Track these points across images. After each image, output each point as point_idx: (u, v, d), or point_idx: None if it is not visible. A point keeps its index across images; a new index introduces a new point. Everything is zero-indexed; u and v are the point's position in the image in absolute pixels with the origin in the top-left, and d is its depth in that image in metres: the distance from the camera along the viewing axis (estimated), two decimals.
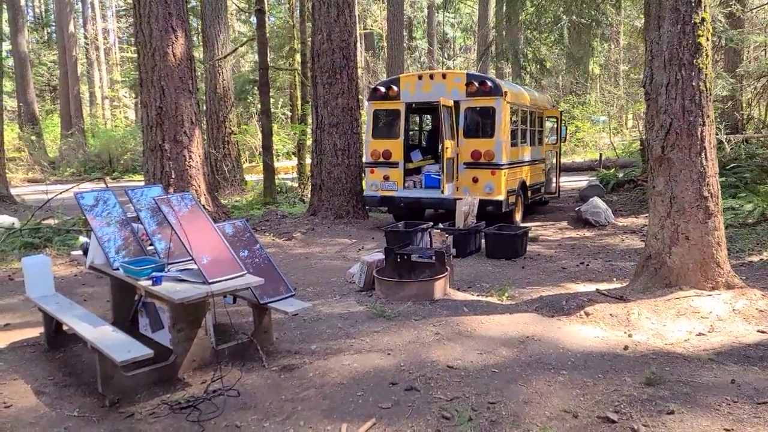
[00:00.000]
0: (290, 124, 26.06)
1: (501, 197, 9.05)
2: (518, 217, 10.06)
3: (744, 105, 16.41)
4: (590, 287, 5.95)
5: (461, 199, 8.10)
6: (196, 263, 4.08)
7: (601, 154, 18.74)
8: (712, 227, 5.13)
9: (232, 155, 19.50)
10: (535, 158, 11.08)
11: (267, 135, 15.16)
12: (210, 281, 3.98)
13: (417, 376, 3.92)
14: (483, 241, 7.90)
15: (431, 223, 8.16)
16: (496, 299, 5.72)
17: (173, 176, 9.47)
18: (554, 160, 12.56)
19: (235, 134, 19.74)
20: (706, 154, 5.10)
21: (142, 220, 4.79)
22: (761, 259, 6.71)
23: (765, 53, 18.98)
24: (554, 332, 4.65)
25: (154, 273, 4.13)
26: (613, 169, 17.30)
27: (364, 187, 10.62)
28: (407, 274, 6.05)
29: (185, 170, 9.51)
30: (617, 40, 31.32)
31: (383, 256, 6.03)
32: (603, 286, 5.84)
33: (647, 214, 10.98)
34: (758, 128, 16.99)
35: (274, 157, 27.53)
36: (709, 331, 4.54)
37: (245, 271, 4.19)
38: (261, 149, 16.87)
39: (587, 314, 5.03)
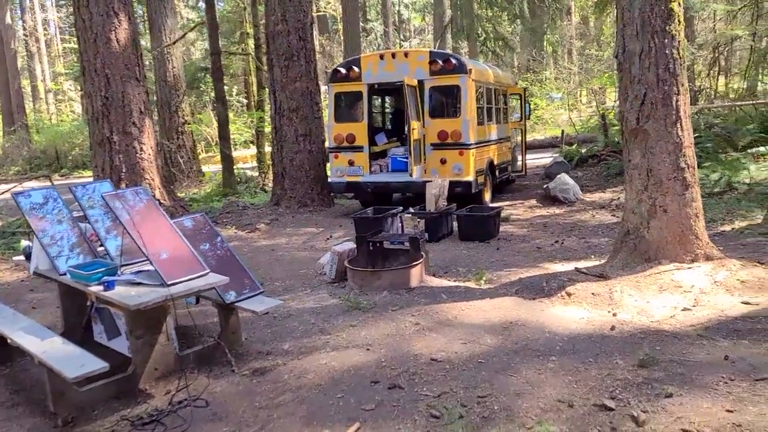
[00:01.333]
0: (246, 112, 25.38)
1: (470, 178, 8.87)
2: (488, 197, 9.92)
3: (695, 76, 16.67)
4: (568, 266, 5.82)
5: (430, 181, 7.89)
6: (152, 264, 3.75)
7: (563, 131, 18.79)
8: (690, 199, 5.04)
9: (187, 146, 18.87)
10: (502, 137, 10.95)
11: (223, 124, 14.65)
12: (169, 283, 3.66)
13: (400, 372, 3.69)
14: (455, 223, 7.72)
15: (401, 208, 7.93)
16: (474, 284, 5.54)
17: (124, 170, 8.98)
18: (519, 138, 12.47)
19: (189, 124, 19.08)
20: (681, 124, 4.99)
21: (90, 219, 4.41)
22: (733, 228, 6.71)
23: (714, 23, 19.27)
24: (538, 316, 4.48)
25: (105, 277, 3.79)
26: (575, 145, 17.37)
27: (328, 174, 10.31)
28: (381, 263, 5.82)
29: (137, 163, 9.02)
30: (569, 17, 31.51)
31: (354, 245, 5.78)
32: (581, 264, 5.72)
33: (614, 189, 11.08)
34: (710, 99, 17.31)
35: (232, 146, 26.88)
36: (693, 306, 4.45)
37: (207, 270, 3.88)
38: (217, 139, 16.32)
39: (569, 294, 4.88)
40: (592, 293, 4.83)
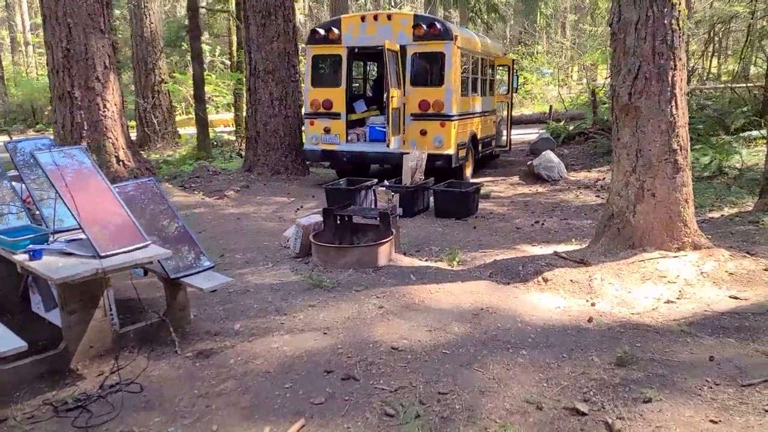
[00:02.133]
0: (229, 73, 24.59)
1: (451, 151, 8.51)
2: (468, 172, 9.58)
3: (689, 56, 16.31)
4: (547, 249, 5.54)
5: (408, 153, 7.52)
6: (84, 233, 3.37)
7: (551, 107, 18.44)
8: (680, 183, 4.74)
9: (163, 106, 18.18)
10: (486, 109, 10.56)
11: (198, 83, 14.07)
12: (102, 254, 3.29)
13: (356, 360, 3.38)
14: (432, 199, 7.38)
15: (375, 180, 7.57)
16: (447, 264, 5.23)
17: (86, 128, 8.46)
18: (505, 112, 12.10)
19: (166, 83, 18.37)
20: (676, 102, 4.66)
21: (25, 180, 4.01)
22: (722, 215, 6.46)
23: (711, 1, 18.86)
24: (511, 303, 4.19)
25: (31, 245, 3.39)
26: (563, 122, 17.06)
27: (304, 141, 9.88)
28: (348, 238, 5.48)
29: (99, 121, 8.51)
30: None
31: (321, 218, 5.42)
32: (561, 248, 5.43)
33: (600, 168, 10.81)
34: (702, 80, 17.02)
35: (214, 109, 26.18)
36: (678, 298, 4.18)
37: (148, 241, 3.51)
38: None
39: (546, 280, 4.60)
40: (571, 280, 4.54)
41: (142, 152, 15.66)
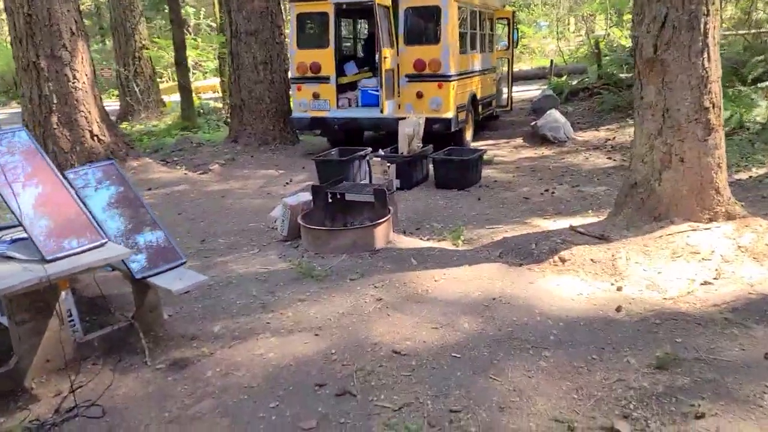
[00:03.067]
0: (215, 35, 23.65)
1: (450, 114, 7.94)
2: (469, 135, 9.03)
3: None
4: (562, 223, 5.06)
5: (404, 118, 6.96)
6: (26, 232, 2.87)
7: (552, 61, 17.68)
8: (713, 146, 4.22)
9: (146, 73, 17.38)
10: (486, 67, 9.93)
11: (179, 48, 13.31)
12: (48, 258, 2.80)
13: (353, 370, 2.93)
14: (431, 167, 6.85)
15: (369, 150, 7.03)
16: (451, 244, 4.76)
17: (55, 101, 7.85)
18: (505, 69, 11.45)
19: (147, 49, 17.56)
20: (708, 53, 4.11)
21: None
22: (750, 177, 5.97)
23: None
24: (526, 289, 3.73)
25: None
26: (565, 77, 16.37)
27: (292, 108, 9.28)
28: (341, 218, 4.99)
29: (69, 93, 7.88)
30: None
31: (309, 196, 4.92)
32: (577, 221, 4.95)
33: (608, 126, 10.24)
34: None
35: (202, 75, 25.29)
36: (715, 278, 3.72)
37: (105, 239, 3.02)
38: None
39: (563, 260, 4.13)
40: (591, 259, 4.07)
41: (125, 123, 15.12)
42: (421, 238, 4.91)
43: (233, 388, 2.88)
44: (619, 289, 3.70)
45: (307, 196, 4.97)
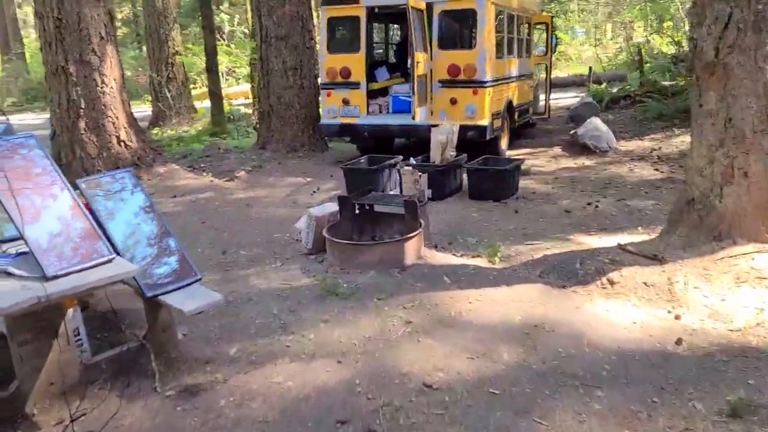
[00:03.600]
0: (246, 41, 23.76)
1: (485, 122, 7.61)
2: (504, 144, 8.68)
3: None
4: (608, 240, 4.69)
5: (437, 125, 6.66)
6: (28, 246, 2.66)
7: (590, 68, 17.17)
8: None
9: (178, 79, 17.47)
10: (523, 73, 9.57)
11: (211, 54, 13.29)
12: (50, 275, 2.58)
13: (379, 405, 2.64)
14: (465, 177, 6.54)
15: (400, 158, 6.75)
16: (487, 261, 4.44)
17: (83, 106, 7.78)
18: (543, 75, 11.07)
19: (180, 55, 17.65)
20: None
21: None
22: None
23: None
24: (572, 315, 3.39)
25: None
26: (604, 84, 15.87)
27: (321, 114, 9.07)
28: (369, 230, 4.71)
29: (98, 98, 7.81)
30: None
31: (336, 207, 4.65)
32: (625, 239, 4.58)
33: (653, 136, 9.78)
34: None
35: (235, 81, 25.39)
36: None
37: (113, 255, 2.79)
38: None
39: (612, 283, 3.78)
40: (644, 283, 3.71)
41: (157, 128, 15.16)
42: (454, 254, 4.60)
43: (247, 421, 2.62)
44: (677, 317, 3.33)
45: (334, 207, 4.71)
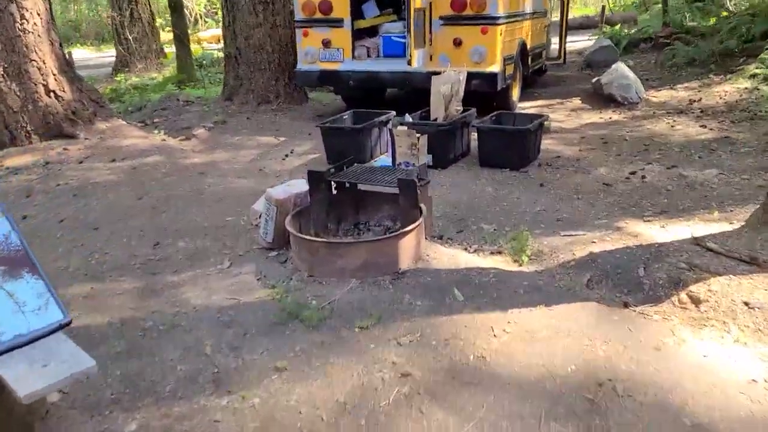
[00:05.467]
0: None
1: (496, 68, 6.33)
2: (515, 95, 7.42)
3: None
4: (675, 229, 3.54)
5: (439, 73, 5.40)
6: None
7: (603, 6, 15.73)
8: None
9: (143, 19, 15.86)
10: (538, 9, 8.20)
11: None
12: None
13: None
14: (474, 137, 5.31)
15: (393, 113, 5.51)
16: (511, 261, 3.29)
17: None
18: (557, 14, 9.68)
19: None
20: None
21: None
22: None
23: None
24: (653, 364, 2.27)
25: None
26: (618, 26, 14.48)
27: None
28: (351, 215, 3.55)
29: (17, 37, 6.41)
30: None
31: (305, 186, 3.46)
32: (698, 228, 3.44)
33: (687, 84, 8.51)
34: None
35: (215, 23, 23.60)
36: None
37: None
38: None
39: (697, 302, 2.67)
40: (746, 303, 2.60)
41: (120, 75, 13.68)
42: (466, 249, 3.45)
43: None
44: None
45: (302, 185, 3.52)
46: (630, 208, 3.97)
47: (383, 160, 5.18)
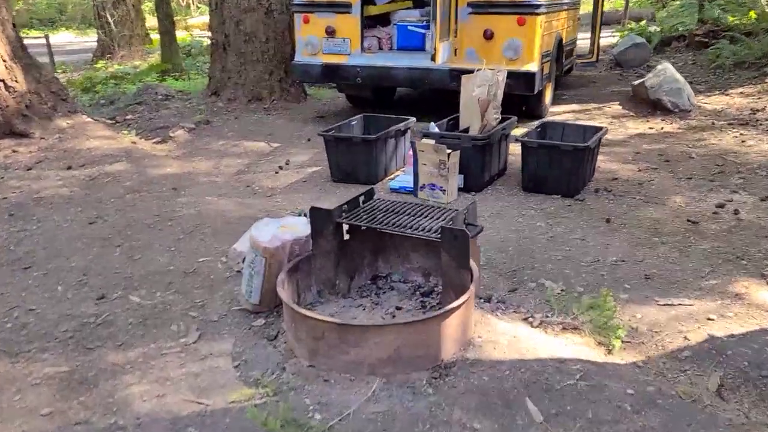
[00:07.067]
0: None
1: (534, 66, 5.39)
2: (548, 98, 6.49)
3: None
4: None
5: (467, 71, 4.47)
6: None
7: (627, 1, 14.80)
8: None
9: (128, 3, 14.88)
10: (573, 0, 7.26)
11: None
12: None
13: None
14: (513, 152, 4.38)
15: (412, 120, 4.58)
16: (594, 344, 2.36)
17: None
18: (589, 7, 8.74)
19: None
20: None
21: None
22: None
23: None
24: None
25: None
26: (644, 21, 13.60)
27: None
28: (367, 266, 2.62)
29: None
30: None
31: (307, 229, 2.53)
32: None
33: (741, 89, 7.62)
34: None
35: (206, 8, 22.60)
36: None
37: None
38: None
39: None
40: None
41: (102, 62, 12.68)
42: (528, 321, 2.51)
43: None
44: None
45: (303, 228, 2.58)
46: (738, 260, 3.04)
47: (401, 179, 4.25)
